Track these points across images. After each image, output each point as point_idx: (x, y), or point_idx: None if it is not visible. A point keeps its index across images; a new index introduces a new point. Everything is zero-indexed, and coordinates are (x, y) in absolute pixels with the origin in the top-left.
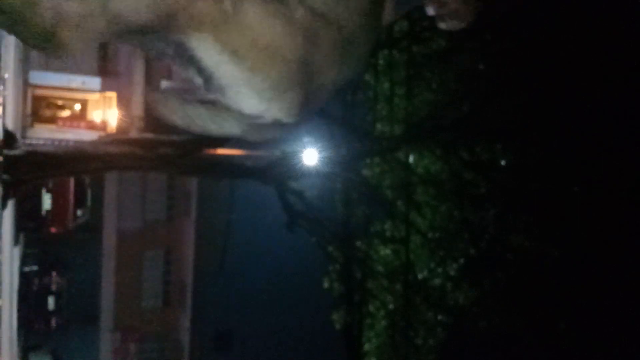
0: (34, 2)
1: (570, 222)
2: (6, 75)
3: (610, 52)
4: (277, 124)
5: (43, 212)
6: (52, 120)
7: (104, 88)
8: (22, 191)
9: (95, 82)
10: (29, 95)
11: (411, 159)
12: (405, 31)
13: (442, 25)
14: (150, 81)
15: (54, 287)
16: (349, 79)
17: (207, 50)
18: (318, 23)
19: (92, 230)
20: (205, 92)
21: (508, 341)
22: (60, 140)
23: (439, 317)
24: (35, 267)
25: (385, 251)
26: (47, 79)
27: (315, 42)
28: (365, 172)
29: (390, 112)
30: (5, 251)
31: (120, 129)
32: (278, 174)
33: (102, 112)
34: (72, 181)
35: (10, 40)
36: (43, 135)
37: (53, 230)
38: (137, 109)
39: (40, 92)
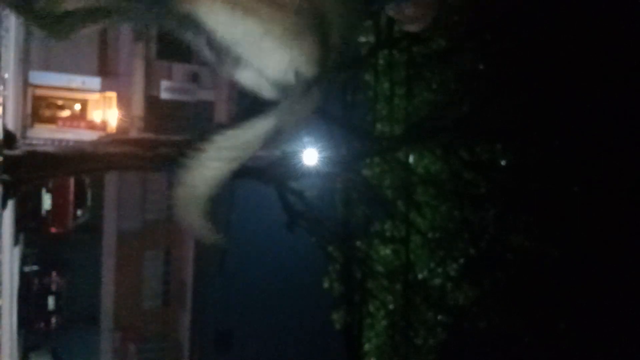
0: None
1: (570, 222)
2: (6, 75)
3: (610, 52)
4: (304, 88)
5: (43, 212)
6: (52, 120)
7: (104, 88)
8: (22, 191)
9: (95, 82)
10: (29, 95)
11: (411, 159)
12: (405, 31)
13: (402, 27)
14: (150, 81)
15: (54, 287)
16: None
17: (217, 14)
18: None
19: (92, 230)
20: (227, 70)
21: (508, 341)
22: (60, 140)
23: (439, 317)
24: (35, 267)
25: (385, 251)
26: (47, 79)
27: None
28: (365, 172)
29: (390, 112)
30: (5, 251)
31: (120, 129)
32: (278, 174)
33: (102, 112)
34: (72, 181)
35: (11, 40)
36: (43, 135)
37: (53, 230)
38: (137, 109)
39: (40, 92)
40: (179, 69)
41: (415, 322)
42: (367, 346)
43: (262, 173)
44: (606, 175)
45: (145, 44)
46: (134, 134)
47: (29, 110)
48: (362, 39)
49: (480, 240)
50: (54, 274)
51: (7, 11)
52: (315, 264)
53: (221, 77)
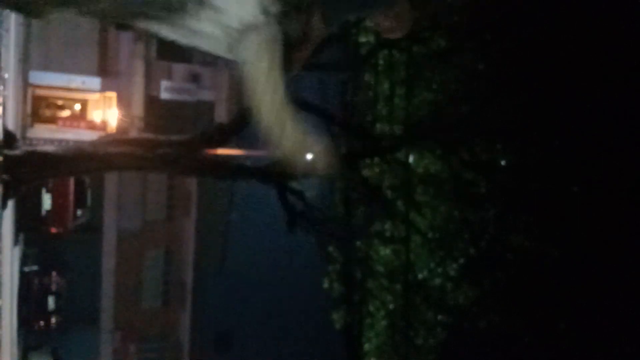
0: None
1: (570, 222)
2: (6, 75)
3: (610, 52)
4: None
5: (43, 212)
6: (52, 120)
7: (104, 88)
8: (22, 191)
9: (95, 82)
10: (29, 95)
11: (411, 159)
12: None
13: (382, 35)
14: (150, 81)
15: (54, 287)
16: None
17: None
18: None
19: (92, 230)
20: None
21: (508, 341)
22: (60, 140)
23: (439, 317)
24: (35, 267)
25: (385, 251)
26: (47, 79)
27: None
28: (365, 172)
29: (390, 112)
30: (5, 251)
31: (120, 129)
32: (278, 174)
33: (102, 112)
34: (72, 181)
35: (11, 40)
36: (43, 135)
37: (53, 230)
38: (137, 109)
39: (40, 92)
40: (179, 69)
41: (415, 322)
42: (367, 346)
43: (262, 173)
44: (606, 175)
45: (145, 44)
46: (134, 134)
47: (29, 110)
48: (362, 39)
49: (480, 240)
50: (54, 274)
51: (7, 11)
52: (315, 264)
53: (221, 77)
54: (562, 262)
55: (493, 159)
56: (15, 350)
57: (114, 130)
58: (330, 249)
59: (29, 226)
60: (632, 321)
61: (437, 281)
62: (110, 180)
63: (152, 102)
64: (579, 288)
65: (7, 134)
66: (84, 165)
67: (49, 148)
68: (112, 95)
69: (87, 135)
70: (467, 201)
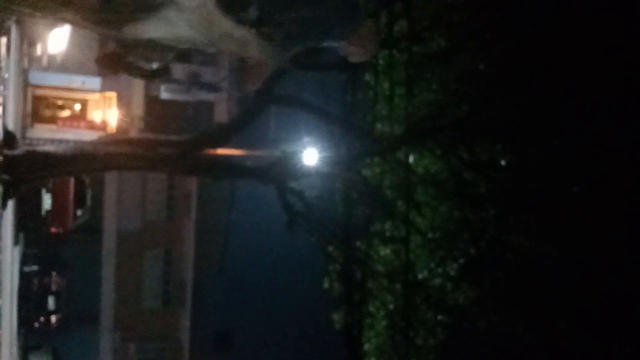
0: None
1: (570, 222)
2: (6, 75)
3: (610, 52)
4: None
5: (43, 212)
6: (52, 120)
7: (104, 88)
8: (22, 191)
9: (95, 82)
10: (29, 95)
11: (411, 159)
12: (405, 31)
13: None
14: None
15: (54, 287)
16: None
17: None
18: None
19: (92, 230)
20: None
21: (508, 341)
22: (60, 140)
23: (439, 317)
24: (35, 267)
25: (385, 251)
26: (47, 79)
27: None
28: (365, 172)
29: (390, 112)
30: (6, 251)
31: (120, 129)
32: (278, 174)
33: (102, 112)
34: (72, 181)
35: (11, 41)
36: (43, 135)
37: (53, 230)
38: (137, 109)
39: (40, 92)
40: (179, 69)
41: (415, 322)
42: (367, 346)
43: (262, 173)
44: (606, 175)
45: None
46: (134, 134)
47: (29, 110)
48: None
49: (480, 240)
50: (54, 274)
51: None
52: (315, 264)
53: (221, 77)
54: (562, 262)
55: (493, 159)
56: (15, 350)
57: (114, 130)
58: (330, 249)
59: (29, 226)
60: (632, 321)
61: (437, 281)
62: (110, 180)
63: (152, 102)
64: (579, 288)
65: (7, 134)
66: (84, 165)
67: (49, 148)
68: (112, 95)
69: (87, 135)
70: (467, 201)
